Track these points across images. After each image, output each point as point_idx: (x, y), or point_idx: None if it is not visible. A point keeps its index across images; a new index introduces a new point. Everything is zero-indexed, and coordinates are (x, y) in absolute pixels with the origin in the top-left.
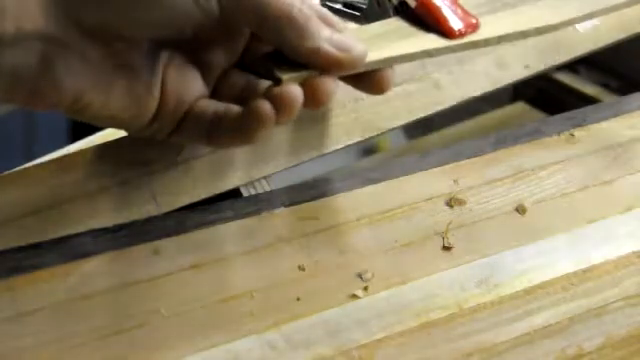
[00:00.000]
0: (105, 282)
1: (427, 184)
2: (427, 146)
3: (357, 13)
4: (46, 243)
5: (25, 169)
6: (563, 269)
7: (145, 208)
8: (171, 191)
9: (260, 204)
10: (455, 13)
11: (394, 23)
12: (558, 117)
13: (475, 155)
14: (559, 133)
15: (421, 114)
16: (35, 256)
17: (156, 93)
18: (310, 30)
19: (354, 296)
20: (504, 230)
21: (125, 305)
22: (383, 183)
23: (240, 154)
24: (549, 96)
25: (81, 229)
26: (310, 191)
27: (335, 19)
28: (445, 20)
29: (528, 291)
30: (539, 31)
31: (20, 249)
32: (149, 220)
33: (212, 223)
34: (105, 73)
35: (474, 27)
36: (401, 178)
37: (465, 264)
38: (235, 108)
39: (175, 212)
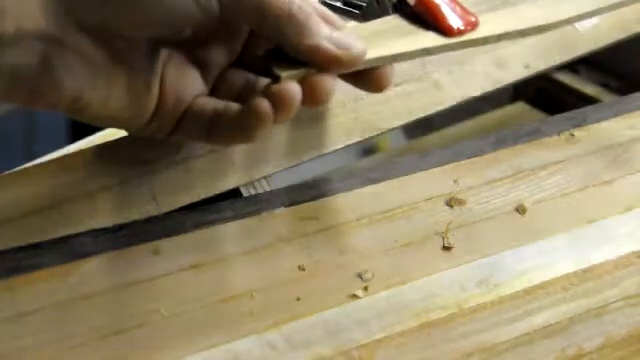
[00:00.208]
0: (105, 282)
1: (427, 184)
2: (427, 146)
3: (356, 11)
4: (46, 243)
5: (25, 169)
6: (563, 269)
7: (145, 208)
8: (171, 191)
9: (260, 204)
10: (454, 11)
11: (393, 21)
12: (558, 117)
13: (475, 155)
14: (559, 133)
15: (421, 114)
16: (35, 256)
17: (155, 92)
18: (310, 27)
19: (354, 296)
20: (504, 230)
21: (125, 305)
22: (383, 183)
23: (240, 154)
24: (549, 96)
25: (81, 229)
26: (310, 191)
27: (334, 17)
28: (444, 18)
29: (528, 291)
30: (539, 30)
31: (20, 249)
32: (149, 220)
33: (212, 223)
34: (105, 72)
35: (473, 25)
36: (401, 178)
37: (465, 264)
38: (234, 106)
39: (175, 212)
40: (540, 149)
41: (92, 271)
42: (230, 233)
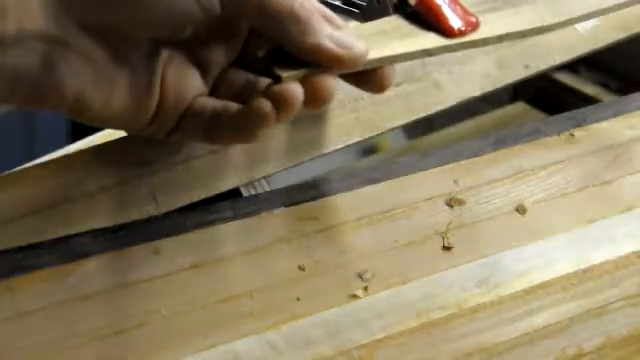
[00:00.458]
0: (105, 282)
1: (427, 184)
2: (427, 146)
3: (356, 10)
4: (46, 243)
5: (25, 169)
6: (563, 269)
7: (145, 208)
8: (171, 191)
9: (260, 204)
10: (455, 12)
11: (393, 21)
12: (558, 117)
13: (475, 155)
14: (559, 133)
15: (421, 114)
16: (35, 256)
17: (156, 92)
18: (311, 26)
19: (354, 296)
20: (504, 230)
21: (125, 305)
22: (383, 183)
23: (240, 154)
24: (549, 96)
25: (81, 229)
26: (310, 191)
27: (334, 16)
28: (445, 19)
29: (528, 291)
30: (539, 31)
31: (20, 249)
32: (149, 220)
33: (212, 223)
34: (106, 73)
35: (474, 26)
36: (401, 178)
37: (465, 264)
38: (233, 105)
39: (175, 212)
40: (540, 149)
41: (92, 271)
42: (230, 233)
